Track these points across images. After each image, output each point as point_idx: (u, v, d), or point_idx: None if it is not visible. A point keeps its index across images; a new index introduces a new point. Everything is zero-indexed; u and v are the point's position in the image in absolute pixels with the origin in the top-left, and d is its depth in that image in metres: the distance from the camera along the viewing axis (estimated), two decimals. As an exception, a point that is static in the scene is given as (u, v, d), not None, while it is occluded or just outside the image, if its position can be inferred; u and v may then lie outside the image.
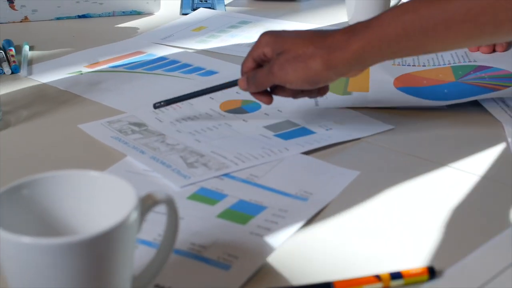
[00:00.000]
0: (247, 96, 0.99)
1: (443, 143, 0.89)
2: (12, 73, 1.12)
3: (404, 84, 1.01)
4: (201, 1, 1.48)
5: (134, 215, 0.54)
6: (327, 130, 0.91)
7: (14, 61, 1.14)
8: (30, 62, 1.17)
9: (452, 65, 1.07)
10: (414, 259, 0.66)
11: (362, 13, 1.32)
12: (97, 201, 0.59)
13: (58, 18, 1.39)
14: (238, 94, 1.01)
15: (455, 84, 1.01)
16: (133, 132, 0.91)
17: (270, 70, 0.83)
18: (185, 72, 1.11)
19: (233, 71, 1.10)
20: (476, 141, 0.88)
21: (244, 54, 1.17)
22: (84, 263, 0.52)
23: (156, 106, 0.93)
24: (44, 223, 0.58)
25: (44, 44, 1.26)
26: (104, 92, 1.04)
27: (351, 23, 1.32)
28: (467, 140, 0.89)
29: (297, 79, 0.82)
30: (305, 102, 0.96)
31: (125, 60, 1.17)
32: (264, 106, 0.97)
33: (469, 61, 1.08)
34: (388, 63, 1.06)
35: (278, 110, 0.96)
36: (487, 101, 0.96)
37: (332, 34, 0.81)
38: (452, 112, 0.95)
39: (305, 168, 0.83)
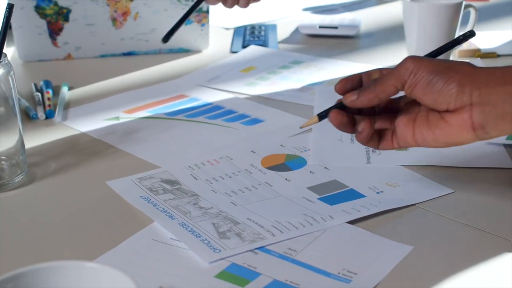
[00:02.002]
0: (291, 150, 0.91)
1: (512, 214, 0.77)
2: (46, 117, 1.06)
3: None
4: (253, 38, 1.39)
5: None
6: (377, 193, 0.81)
7: (49, 105, 1.07)
8: (67, 106, 1.11)
9: None
10: None
11: (423, 52, 1.22)
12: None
13: (102, 56, 1.32)
14: (282, 148, 0.93)
15: None
16: (165, 191, 0.83)
17: (397, 67, 0.71)
18: (228, 120, 1.03)
19: (281, 119, 1.03)
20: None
21: (294, 100, 1.11)
22: None
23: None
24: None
25: (85, 84, 1.20)
26: (139, 142, 0.97)
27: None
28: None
29: (421, 83, 0.69)
30: (355, 159, 0.88)
31: (166, 104, 1.09)
32: (310, 163, 0.88)
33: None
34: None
35: (325, 168, 0.87)
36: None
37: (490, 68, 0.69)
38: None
39: (350, 241, 0.73)
